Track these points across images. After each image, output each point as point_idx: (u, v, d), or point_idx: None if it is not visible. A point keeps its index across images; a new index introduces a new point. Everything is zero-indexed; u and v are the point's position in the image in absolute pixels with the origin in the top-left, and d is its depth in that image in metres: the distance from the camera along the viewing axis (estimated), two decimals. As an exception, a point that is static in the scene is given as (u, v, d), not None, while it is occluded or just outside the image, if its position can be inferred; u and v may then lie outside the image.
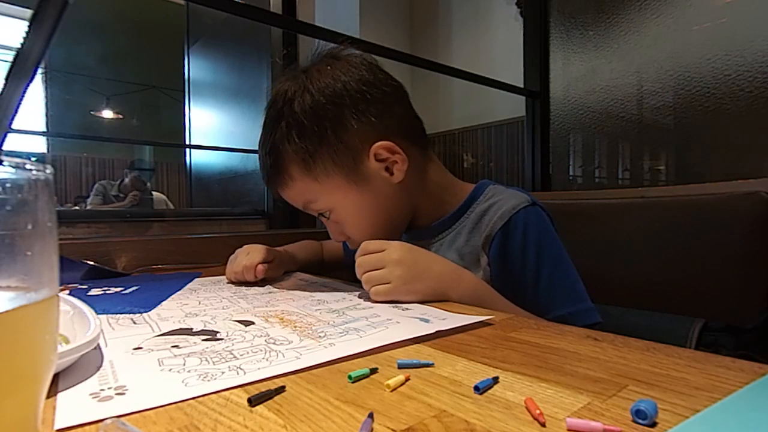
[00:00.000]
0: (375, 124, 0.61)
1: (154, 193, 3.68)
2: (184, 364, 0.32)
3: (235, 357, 0.33)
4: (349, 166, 0.61)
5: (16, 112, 0.52)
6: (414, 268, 0.54)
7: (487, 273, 0.62)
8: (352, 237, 0.66)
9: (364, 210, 0.64)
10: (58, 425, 0.23)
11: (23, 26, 0.53)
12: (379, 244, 0.56)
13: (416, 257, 0.55)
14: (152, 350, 0.35)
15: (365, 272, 0.55)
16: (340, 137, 0.60)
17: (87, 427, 0.23)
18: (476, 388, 0.27)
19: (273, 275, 0.73)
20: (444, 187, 0.70)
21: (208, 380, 0.29)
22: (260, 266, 0.68)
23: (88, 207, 3.32)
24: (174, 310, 0.49)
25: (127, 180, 3.36)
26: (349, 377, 0.29)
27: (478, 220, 0.64)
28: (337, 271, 0.91)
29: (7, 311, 0.15)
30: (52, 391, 0.27)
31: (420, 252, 0.56)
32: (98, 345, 0.36)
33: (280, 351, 0.35)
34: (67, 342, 0.35)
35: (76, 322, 0.37)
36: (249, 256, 0.70)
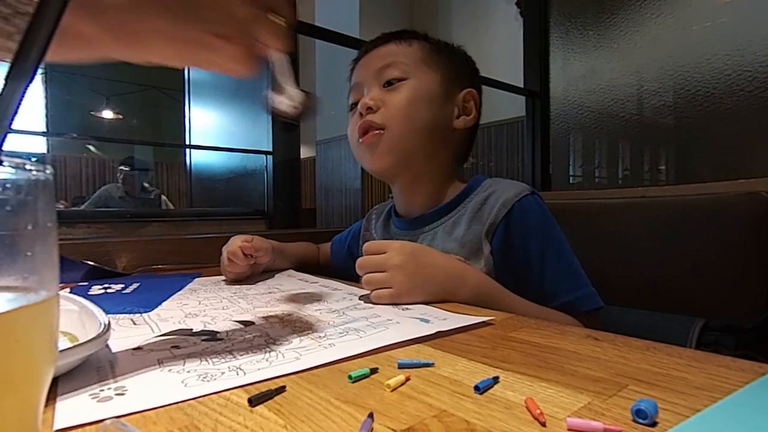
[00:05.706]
0: (477, 85, 0.76)
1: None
2: (183, 365, 0.32)
3: (234, 357, 0.33)
4: (449, 80, 0.70)
5: (16, 112, 0.52)
6: (416, 276, 0.52)
7: (489, 261, 0.61)
8: (386, 108, 0.68)
9: (424, 102, 0.68)
10: (57, 425, 0.23)
11: (23, 26, 0.53)
12: (381, 245, 0.55)
13: (418, 261, 0.54)
14: (152, 351, 0.35)
15: (366, 273, 0.54)
16: (456, 62, 0.73)
17: (87, 428, 0.23)
18: (476, 388, 0.27)
19: (262, 260, 0.73)
20: (448, 174, 0.73)
21: (208, 381, 0.29)
22: (244, 244, 0.69)
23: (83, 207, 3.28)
24: (174, 311, 0.49)
25: (120, 177, 3.30)
26: (350, 377, 0.29)
27: (477, 209, 0.65)
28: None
29: (7, 312, 0.15)
30: (52, 391, 0.27)
31: (422, 254, 0.55)
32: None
33: (280, 351, 0.35)
34: (76, 341, 0.35)
35: (86, 321, 0.37)
36: (228, 247, 0.71)
